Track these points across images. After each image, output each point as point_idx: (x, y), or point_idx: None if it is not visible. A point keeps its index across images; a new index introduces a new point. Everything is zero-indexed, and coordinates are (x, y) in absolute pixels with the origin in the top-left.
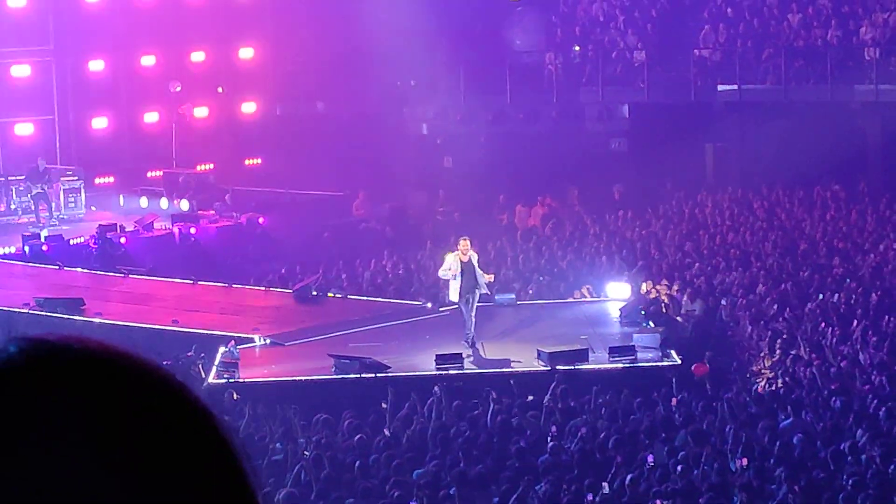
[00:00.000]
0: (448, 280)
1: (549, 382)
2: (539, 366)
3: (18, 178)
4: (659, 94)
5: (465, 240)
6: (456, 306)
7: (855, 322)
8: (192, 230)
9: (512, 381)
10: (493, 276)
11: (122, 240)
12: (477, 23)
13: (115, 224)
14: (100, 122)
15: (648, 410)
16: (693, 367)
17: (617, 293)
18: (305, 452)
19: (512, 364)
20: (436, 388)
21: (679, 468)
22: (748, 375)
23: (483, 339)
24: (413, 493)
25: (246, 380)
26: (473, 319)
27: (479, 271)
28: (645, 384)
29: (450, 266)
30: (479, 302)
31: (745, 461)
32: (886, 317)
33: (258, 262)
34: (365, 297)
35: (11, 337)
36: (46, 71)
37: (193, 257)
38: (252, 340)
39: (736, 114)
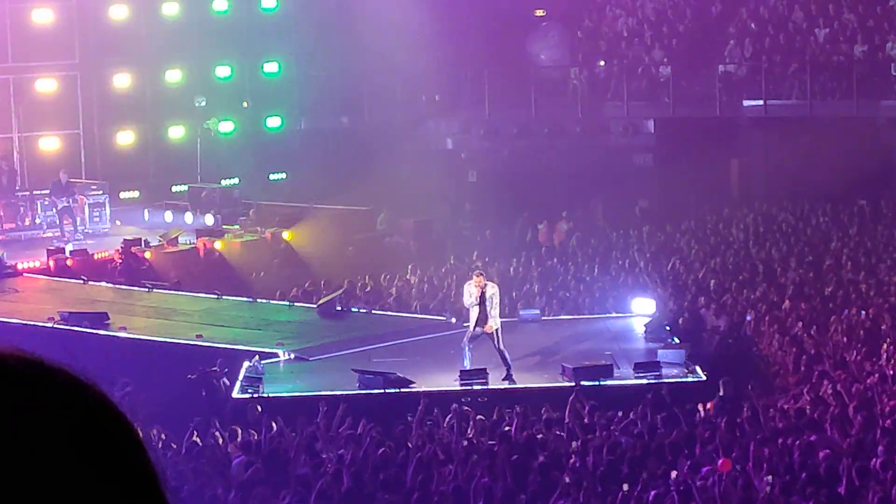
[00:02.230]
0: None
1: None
2: (564, 381)
3: (43, 192)
4: (684, 110)
5: (479, 275)
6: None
7: (880, 338)
8: (217, 244)
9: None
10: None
11: (147, 254)
12: (502, 37)
13: (140, 238)
14: (125, 137)
15: (673, 426)
16: (720, 464)
17: (642, 309)
18: None
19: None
20: (454, 405)
21: (701, 485)
22: (773, 391)
23: (508, 355)
24: None
25: (270, 394)
26: (502, 350)
27: (492, 308)
28: (669, 399)
29: (469, 293)
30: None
31: (770, 478)
32: None
33: (282, 277)
34: (389, 312)
35: None
36: (72, 85)
37: (218, 272)
38: (276, 355)
39: (761, 129)
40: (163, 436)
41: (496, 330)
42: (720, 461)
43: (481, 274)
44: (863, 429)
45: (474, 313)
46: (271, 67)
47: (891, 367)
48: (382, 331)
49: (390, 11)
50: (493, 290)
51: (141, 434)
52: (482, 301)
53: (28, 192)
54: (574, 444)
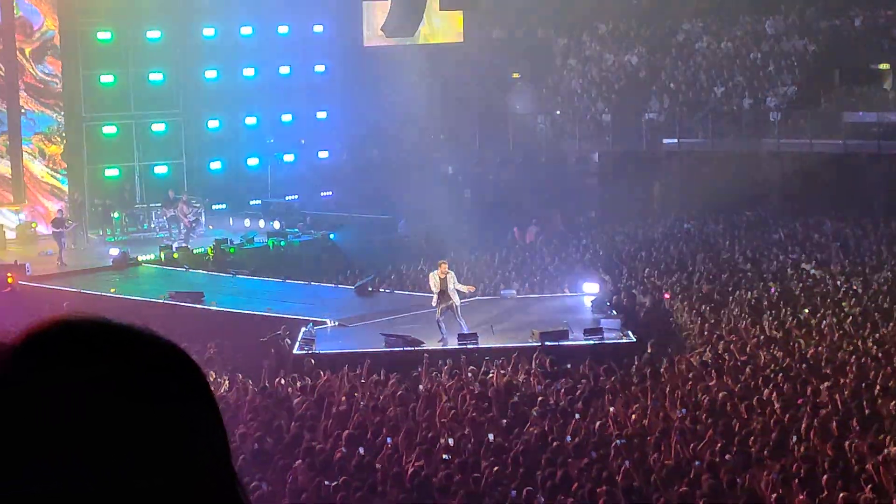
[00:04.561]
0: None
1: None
2: (532, 342)
3: (157, 205)
4: (620, 145)
5: (443, 263)
6: (434, 310)
7: (762, 311)
8: (282, 243)
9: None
10: (474, 287)
11: (232, 249)
12: (488, 94)
13: (227, 238)
14: (216, 165)
15: (611, 375)
16: None
17: (589, 289)
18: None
19: (513, 340)
20: (448, 360)
21: (633, 417)
22: (684, 349)
23: (492, 323)
24: (440, 432)
25: (320, 351)
26: (460, 321)
27: (455, 286)
28: (609, 355)
29: (434, 283)
30: (478, 297)
31: (683, 411)
32: (784, 308)
33: (329, 266)
34: (407, 293)
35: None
36: (177, 127)
37: (283, 262)
38: (325, 323)
39: (676, 160)
40: (243, 381)
41: (458, 304)
42: None
43: (445, 262)
44: (749, 376)
45: (435, 297)
46: (321, 115)
47: (770, 331)
48: (402, 306)
49: (409, 75)
50: (452, 274)
51: (207, 378)
52: (443, 286)
53: (146, 205)
54: (539, 387)
